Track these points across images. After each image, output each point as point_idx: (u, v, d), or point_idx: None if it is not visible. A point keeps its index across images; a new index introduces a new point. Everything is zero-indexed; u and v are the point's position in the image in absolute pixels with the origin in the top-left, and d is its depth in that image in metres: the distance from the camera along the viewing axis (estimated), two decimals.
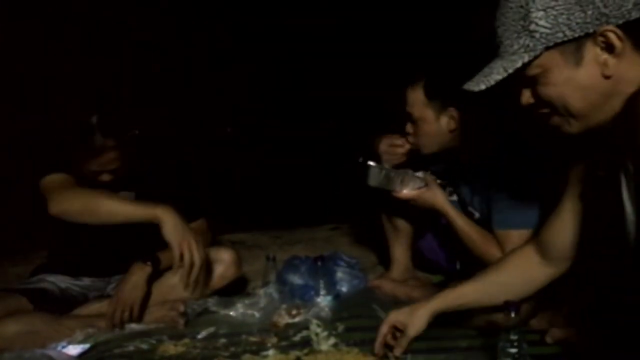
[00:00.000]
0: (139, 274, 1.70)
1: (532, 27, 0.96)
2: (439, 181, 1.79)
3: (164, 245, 1.81)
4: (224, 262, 1.86)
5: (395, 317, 1.34)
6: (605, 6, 0.92)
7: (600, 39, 0.93)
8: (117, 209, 1.59)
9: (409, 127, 1.75)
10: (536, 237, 1.33)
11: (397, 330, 1.36)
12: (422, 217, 1.93)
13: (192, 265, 1.54)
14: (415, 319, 1.32)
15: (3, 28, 3.08)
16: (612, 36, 0.92)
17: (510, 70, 0.99)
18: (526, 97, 1.05)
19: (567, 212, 1.23)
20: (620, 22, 0.92)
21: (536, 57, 0.98)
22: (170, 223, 1.55)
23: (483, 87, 1.02)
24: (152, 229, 1.85)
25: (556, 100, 1.00)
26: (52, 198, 1.63)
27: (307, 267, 1.99)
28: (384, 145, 1.86)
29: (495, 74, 1.01)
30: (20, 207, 1.72)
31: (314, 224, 3.19)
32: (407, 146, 1.82)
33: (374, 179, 1.74)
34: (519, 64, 0.98)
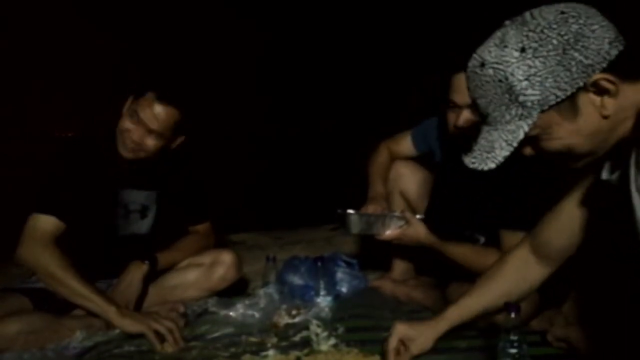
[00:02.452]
0: (135, 273, 1.71)
1: (521, 98, 0.94)
2: (418, 216, 1.77)
3: (165, 248, 1.83)
4: (224, 264, 1.86)
5: (405, 331, 1.35)
6: (586, 57, 0.91)
7: (592, 88, 0.93)
8: (78, 291, 1.56)
9: (467, 116, 1.60)
10: (532, 237, 1.33)
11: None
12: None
13: (171, 330, 1.54)
14: (422, 338, 1.34)
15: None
16: (604, 83, 0.92)
17: (515, 144, 0.98)
18: (528, 151, 1.03)
19: (566, 214, 1.22)
20: (605, 65, 0.91)
21: (534, 123, 0.96)
22: (126, 322, 1.54)
23: (493, 165, 1.00)
24: (152, 231, 1.87)
25: (563, 150, 0.99)
26: (25, 247, 1.61)
27: (307, 267, 1.99)
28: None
29: (498, 149, 0.99)
30: (21, 206, 1.71)
31: (315, 224, 3.19)
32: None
33: (355, 227, 1.74)
34: (521, 135, 0.97)
